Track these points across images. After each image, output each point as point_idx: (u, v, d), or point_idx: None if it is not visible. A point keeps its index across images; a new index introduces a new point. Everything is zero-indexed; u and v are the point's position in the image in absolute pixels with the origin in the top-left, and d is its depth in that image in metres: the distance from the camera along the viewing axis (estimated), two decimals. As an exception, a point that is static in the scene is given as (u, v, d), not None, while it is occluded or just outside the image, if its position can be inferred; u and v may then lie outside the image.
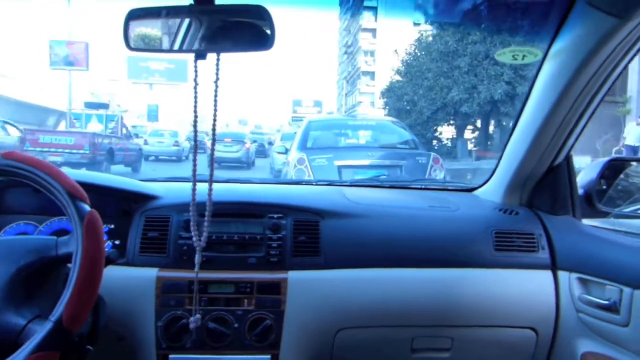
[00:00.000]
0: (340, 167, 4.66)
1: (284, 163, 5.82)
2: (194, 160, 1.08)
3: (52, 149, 9.26)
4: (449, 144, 20.55)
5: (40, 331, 0.82)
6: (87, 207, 0.91)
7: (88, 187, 0.97)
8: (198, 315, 1.13)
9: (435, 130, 20.62)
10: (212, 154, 1.06)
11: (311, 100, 50.05)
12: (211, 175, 1.07)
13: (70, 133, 10.30)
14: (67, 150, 9.41)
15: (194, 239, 1.09)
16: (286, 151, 5.81)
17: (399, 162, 4.82)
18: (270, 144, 13.60)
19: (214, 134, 1.05)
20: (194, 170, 1.08)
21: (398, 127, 6.13)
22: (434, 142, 20.76)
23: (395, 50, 20.98)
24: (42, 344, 0.80)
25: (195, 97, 1.01)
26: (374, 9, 37.03)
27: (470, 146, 19.67)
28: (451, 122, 19.98)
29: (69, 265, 0.89)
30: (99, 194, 1.07)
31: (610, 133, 12.40)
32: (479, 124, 19.62)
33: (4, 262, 0.89)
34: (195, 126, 1.03)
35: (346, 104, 48.30)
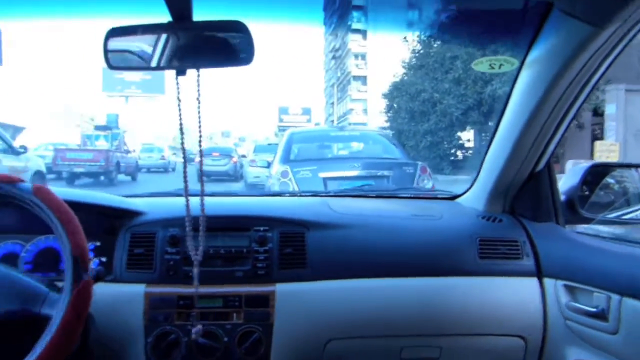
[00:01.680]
0: (325, 179, 4.80)
1: (261, 176, 5.90)
2: (185, 175, 1.15)
3: (77, 163, 12.94)
4: (472, 154, 17.65)
5: None
6: (85, 276, 0.96)
7: (74, 205, 1.04)
8: (200, 326, 1.20)
9: (459, 138, 17.44)
10: (200, 168, 1.13)
11: (299, 108, 49.36)
12: (202, 189, 1.15)
13: (90, 150, 14.11)
14: (87, 163, 13.03)
15: (191, 252, 1.16)
16: (269, 165, 5.92)
17: (386, 173, 4.97)
18: (244, 156, 14.52)
19: (200, 149, 1.13)
20: (186, 186, 1.15)
21: (384, 138, 6.30)
22: (458, 152, 17.73)
23: (405, 38, 18.23)
24: None
25: (180, 113, 1.09)
26: (362, 9, 37.08)
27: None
28: (486, 125, 16.02)
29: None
30: (84, 211, 1.13)
31: None
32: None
33: None
34: (182, 142, 1.11)
35: (337, 112, 48.10)
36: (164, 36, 1.09)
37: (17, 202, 1.01)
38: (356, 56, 42.81)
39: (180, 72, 1.09)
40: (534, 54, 1.31)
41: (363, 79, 42.51)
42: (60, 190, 1.17)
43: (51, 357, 0.89)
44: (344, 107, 46.78)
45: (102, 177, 13.32)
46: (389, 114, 19.62)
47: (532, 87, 1.34)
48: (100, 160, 13.09)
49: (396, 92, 18.48)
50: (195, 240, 1.16)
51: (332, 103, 50.77)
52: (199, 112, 1.10)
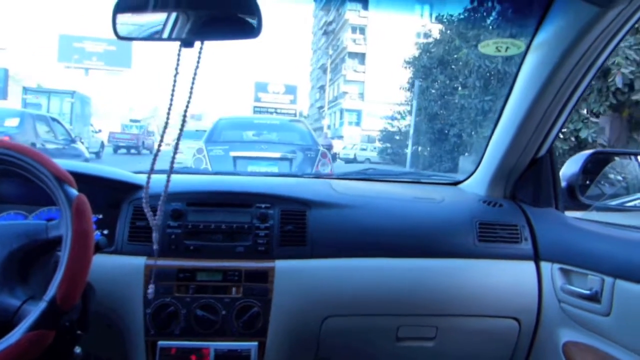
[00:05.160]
0: (235, 158, 6.27)
1: (183, 162, 7.21)
2: (157, 150, 1.29)
3: (120, 140, 24.46)
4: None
5: (34, 311, 0.98)
6: (74, 192, 1.11)
7: (78, 176, 1.17)
8: (152, 286, 1.36)
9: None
10: (178, 138, 1.26)
11: (281, 85, 44.42)
12: (173, 159, 1.29)
13: (127, 133, 25.61)
14: (126, 141, 24.54)
15: (149, 217, 1.29)
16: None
17: (289, 156, 6.52)
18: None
19: (184, 120, 1.24)
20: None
21: (300, 126, 7.94)
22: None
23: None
24: (37, 323, 0.97)
25: (174, 86, 1.20)
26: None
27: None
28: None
29: (59, 251, 1.09)
30: (88, 183, 1.27)
31: None
32: None
33: None
34: (168, 115, 1.23)
35: (328, 96, 46.75)
36: (173, 7, 1.22)
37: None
38: (354, 29, 41.92)
39: (187, 44, 1.21)
40: (540, 36, 1.49)
41: (361, 57, 41.67)
42: (66, 163, 1.31)
43: (77, 270, 1.04)
44: (335, 89, 45.70)
45: (132, 150, 24.41)
46: (412, 92, 16.33)
47: (536, 71, 1.52)
48: (133, 140, 24.82)
49: (460, 41, 14.13)
50: (196, 214, 1.32)
51: (320, 87, 49.61)
52: (192, 84, 1.22)
